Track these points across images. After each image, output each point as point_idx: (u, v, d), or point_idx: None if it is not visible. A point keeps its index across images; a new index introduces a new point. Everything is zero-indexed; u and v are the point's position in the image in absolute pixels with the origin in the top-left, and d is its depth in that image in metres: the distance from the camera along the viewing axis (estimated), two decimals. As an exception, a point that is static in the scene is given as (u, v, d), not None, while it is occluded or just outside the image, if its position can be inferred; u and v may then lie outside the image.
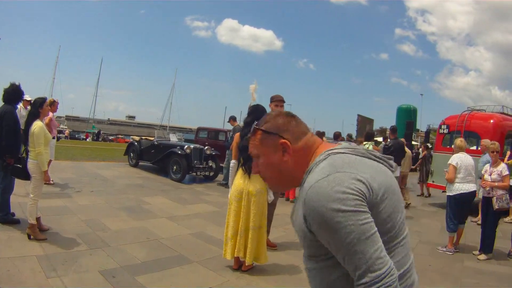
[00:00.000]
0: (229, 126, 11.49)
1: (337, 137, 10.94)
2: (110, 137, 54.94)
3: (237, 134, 4.30)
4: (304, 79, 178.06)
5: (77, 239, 4.56)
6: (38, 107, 4.49)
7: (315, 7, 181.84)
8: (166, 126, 74.06)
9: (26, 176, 4.45)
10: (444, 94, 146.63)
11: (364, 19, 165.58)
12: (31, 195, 4.35)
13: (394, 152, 7.84)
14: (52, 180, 7.73)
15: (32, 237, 4.31)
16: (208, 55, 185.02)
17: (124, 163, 12.71)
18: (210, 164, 10.98)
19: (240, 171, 4.15)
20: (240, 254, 4.00)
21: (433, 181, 9.54)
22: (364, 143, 7.78)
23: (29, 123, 4.41)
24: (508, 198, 5.27)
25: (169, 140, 12.02)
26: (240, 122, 10.34)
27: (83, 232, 4.89)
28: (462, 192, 5.50)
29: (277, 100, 5.03)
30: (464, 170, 5.54)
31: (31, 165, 4.35)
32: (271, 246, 4.90)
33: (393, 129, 8.73)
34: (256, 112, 4.22)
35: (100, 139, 44.72)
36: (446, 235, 5.82)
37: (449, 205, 5.69)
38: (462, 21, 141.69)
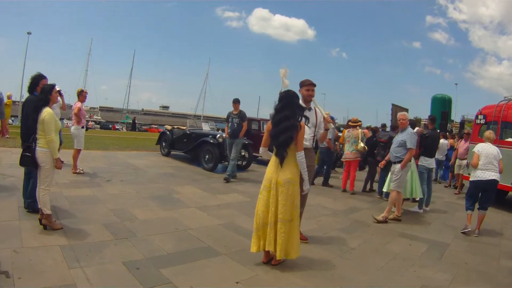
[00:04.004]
0: (265, 115, 11.25)
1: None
2: (144, 127, 56.17)
3: (269, 122, 4.07)
4: (337, 68, 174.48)
5: (103, 229, 4.55)
6: (48, 94, 4.43)
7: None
8: (200, 116, 74.95)
9: (34, 164, 4.39)
10: (478, 84, 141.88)
11: (395, 7, 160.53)
12: (42, 186, 4.33)
13: (430, 142, 7.74)
14: (82, 170, 7.87)
15: (48, 227, 4.32)
16: (240, 45, 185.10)
17: (156, 153, 12.89)
18: (243, 154, 10.88)
19: (273, 159, 3.94)
20: (270, 248, 3.81)
21: (469, 174, 9.03)
22: None
23: (38, 110, 4.35)
24: None
25: (202, 129, 11.99)
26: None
27: (110, 221, 4.89)
28: (478, 179, 6.07)
29: (308, 84, 4.75)
30: (484, 158, 6.05)
31: (40, 153, 4.30)
32: (302, 239, 4.65)
33: (433, 119, 8.44)
34: (286, 97, 3.97)
35: (136, 129, 45.60)
36: (486, 228, 6.35)
37: (468, 188, 6.45)
38: (493, 9, 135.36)
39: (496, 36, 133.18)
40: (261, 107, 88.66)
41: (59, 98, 8.53)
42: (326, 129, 4.89)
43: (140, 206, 5.80)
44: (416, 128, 8.13)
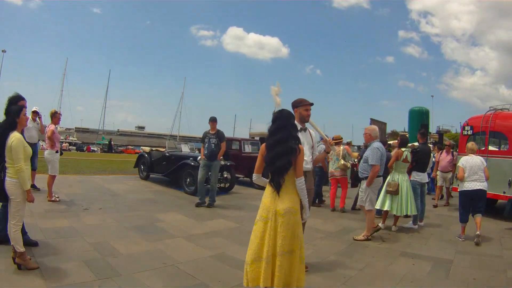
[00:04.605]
0: (241, 133, 10.99)
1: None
2: (120, 148, 55.15)
3: (263, 145, 3.79)
4: (312, 85, 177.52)
5: (83, 267, 4.15)
6: (15, 116, 4.05)
7: (318, 13, 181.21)
8: (176, 136, 74.39)
9: (4, 197, 4.00)
10: (452, 95, 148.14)
11: (367, 23, 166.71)
12: (12, 221, 3.93)
13: (421, 157, 7.71)
14: (58, 197, 7.42)
15: (22, 267, 3.91)
16: (215, 64, 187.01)
17: (134, 176, 12.49)
18: (225, 175, 10.63)
19: (268, 188, 3.67)
20: (267, 284, 3.50)
21: (457, 185, 9.16)
22: (403, 149, 7.26)
23: (4, 135, 3.96)
24: None
25: (181, 151, 11.71)
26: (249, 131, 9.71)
27: (91, 258, 4.49)
28: (465, 189, 6.61)
29: (307, 104, 4.61)
30: (468, 170, 6.57)
31: (9, 184, 3.91)
32: None
33: (423, 133, 8.41)
34: (281, 118, 3.71)
35: (112, 151, 44.54)
36: (485, 239, 6.64)
37: (460, 200, 6.83)
38: (465, 21, 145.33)
39: (468, 48, 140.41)
40: (237, 126, 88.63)
41: (37, 119, 8.16)
42: (327, 152, 4.74)
43: (122, 238, 5.42)
44: (409, 144, 8.11)
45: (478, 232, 6.37)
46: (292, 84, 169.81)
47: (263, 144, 3.75)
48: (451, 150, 10.96)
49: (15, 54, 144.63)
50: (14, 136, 3.91)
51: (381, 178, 6.49)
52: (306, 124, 4.67)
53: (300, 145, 3.63)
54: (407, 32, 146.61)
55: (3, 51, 49.46)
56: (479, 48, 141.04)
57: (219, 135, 8.61)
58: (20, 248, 3.89)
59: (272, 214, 3.51)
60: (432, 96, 76.16)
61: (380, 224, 7.04)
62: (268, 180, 3.64)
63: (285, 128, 3.60)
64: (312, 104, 4.66)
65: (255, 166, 3.76)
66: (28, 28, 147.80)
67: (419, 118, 23.02)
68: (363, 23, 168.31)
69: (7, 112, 4.14)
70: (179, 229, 6.24)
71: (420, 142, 8.25)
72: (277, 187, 3.51)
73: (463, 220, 6.73)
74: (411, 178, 7.55)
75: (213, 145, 8.45)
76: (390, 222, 7.40)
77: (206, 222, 6.90)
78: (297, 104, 4.63)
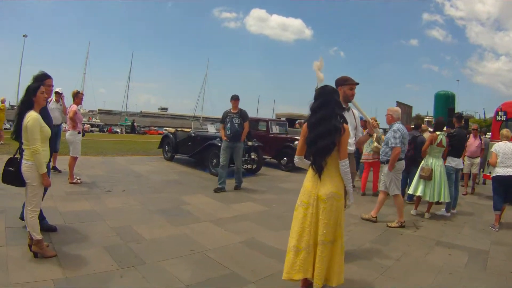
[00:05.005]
0: (264, 114, 10.42)
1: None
2: (143, 129, 55.57)
3: (305, 125, 3.33)
4: (335, 67, 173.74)
5: (104, 254, 3.84)
6: (31, 95, 3.70)
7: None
8: (199, 117, 74.58)
9: (20, 182, 3.69)
10: (476, 80, 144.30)
11: (391, 5, 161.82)
12: (29, 207, 3.62)
13: (458, 141, 7.42)
14: (79, 179, 7.17)
15: (39, 255, 3.62)
16: (238, 46, 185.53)
17: (158, 157, 12.24)
18: (253, 157, 10.22)
19: (310, 171, 3.22)
20: (307, 276, 3.08)
21: (489, 172, 8.57)
22: (438, 133, 6.76)
23: (21, 114, 3.64)
24: None
25: (207, 131, 11.32)
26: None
27: (113, 243, 4.18)
28: (498, 174, 6.40)
29: (353, 83, 4.22)
30: (502, 155, 6.41)
31: (25, 167, 3.59)
32: None
33: (459, 117, 8.10)
34: (324, 94, 3.22)
35: (135, 132, 44.76)
36: None
37: (493, 187, 6.58)
38: (490, 5, 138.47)
39: (493, 32, 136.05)
40: (260, 107, 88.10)
41: (60, 100, 7.90)
42: (370, 134, 4.33)
43: (146, 222, 5.10)
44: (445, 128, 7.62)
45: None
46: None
47: (305, 124, 3.29)
48: (477, 134, 10.23)
49: (36, 39, 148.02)
50: (30, 116, 3.57)
51: (403, 161, 6.17)
52: (349, 104, 4.28)
53: (345, 124, 3.16)
54: (431, 15, 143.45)
55: (24, 36, 50.01)
56: (504, 33, 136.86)
57: (242, 114, 7.95)
58: (37, 236, 3.59)
59: (314, 200, 3.10)
60: (458, 80, 73.28)
61: (412, 211, 6.98)
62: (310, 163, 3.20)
63: (328, 105, 3.13)
64: (357, 83, 4.25)
65: (297, 148, 3.34)
66: (49, 14, 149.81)
67: (445, 102, 22.32)
68: (387, 5, 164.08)
69: (26, 90, 3.80)
70: (205, 212, 5.90)
71: (456, 126, 7.83)
72: (319, 170, 3.10)
73: (497, 207, 6.45)
74: (446, 164, 7.19)
75: (236, 125, 7.81)
76: (423, 208, 7.05)
77: (233, 205, 6.54)
78: (341, 82, 4.20)
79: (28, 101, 3.67)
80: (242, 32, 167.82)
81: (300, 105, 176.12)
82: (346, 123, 3.31)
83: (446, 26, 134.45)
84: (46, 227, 4.28)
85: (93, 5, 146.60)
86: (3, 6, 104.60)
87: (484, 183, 11.64)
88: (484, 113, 49.59)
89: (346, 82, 4.20)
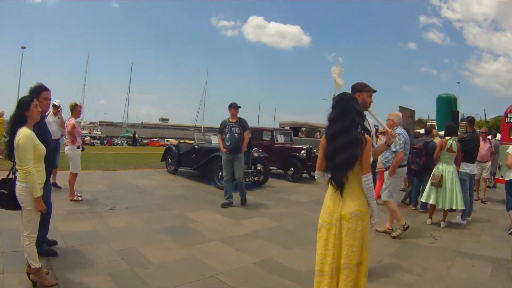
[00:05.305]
0: (265, 123, 10.07)
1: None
2: (144, 141, 55.40)
3: (323, 137, 3.05)
4: None
5: (109, 282, 3.55)
6: (24, 109, 3.38)
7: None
8: (201, 127, 74.51)
9: (13, 205, 3.38)
10: (474, 81, 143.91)
11: (388, 8, 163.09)
12: (25, 233, 3.32)
13: (471, 146, 7.16)
14: (80, 196, 6.90)
15: (38, 284, 3.32)
16: (236, 54, 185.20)
17: (161, 170, 11.99)
18: (259, 168, 9.94)
19: (330, 188, 2.93)
20: None
21: (501, 176, 8.30)
22: (447, 138, 6.53)
23: (12, 131, 3.34)
24: None
25: (211, 143, 11.00)
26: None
27: (117, 269, 3.88)
28: None
29: (371, 90, 4.00)
30: None
31: (19, 190, 3.29)
32: None
33: (471, 121, 7.81)
34: (342, 102, 2.94)
35: (137, 143, 44.51)
36: None
37: (507, 189, 6.47)
38: (486, 6, 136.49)
39: (490, 33, 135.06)
40: (261, 115, 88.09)
41: (57, 113, 7.63)
42: (388, 144, 4.02)
43: (151, 243, 4.80)
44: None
45: None
46: (315, 72, 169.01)
47: (323, 136, 3.01)
48: (486, 137, 9.95)
49: (35, 50, 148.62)
50: (22, 133, 3.25)
51: (405, 168, 6.00)
52: (364, 112, 3.96)
53: (367, 135, 2.87)
54: (428, 18, 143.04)
55: (23, 47, 50.04)
56: (501, 33, 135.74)
57: (241, 123, 7.46)
58: (35, 264, 3.30)
59: (337, 219, 2.80)
60: (459, 82, 73.28)
61: (428, 220, 6.75)
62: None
63: (347, 114, 2.83)
64: (375, 91, 4.02)
65: (317, 162, 3.04)
66: (47, 25, 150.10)
67: (447, 105, 22.20)
68: (384, 9, 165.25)
69: (18, 104, 3.45)
70: (214, 230, 5.60)
71: (468, 130, 7.57)
72: (340, 186, 2.80)
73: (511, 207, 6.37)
74: (460, 170, 6.97)
75: (236, 135, 7.29)
76: (438, 216, 6.84)
77: (242, 221, 6.25)
78: (360, 88, 3.94)
79: (20, 116, 3.34)
80: (240, 40, 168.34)
81: (301, 113, 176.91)
82: (368, 133, 3.03)
83: (443, 29, 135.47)
84: (46, 252, 4.01)
85: (91, 16, 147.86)
86: (1, 14, 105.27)
87: (494, 186, 11.40)
88: (485, 115, 49.29)
89: (364, 89, 3.93)
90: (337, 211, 2.81)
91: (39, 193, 3.29)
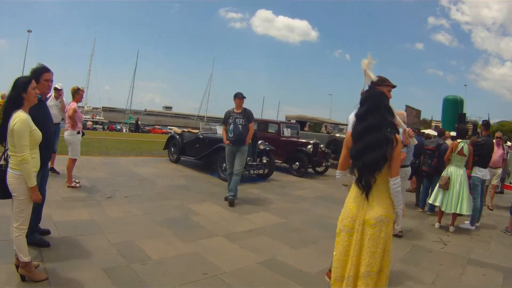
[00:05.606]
0: (269, 116, 9.76)
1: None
2: (147, 127, 55.23)
3: (348, 134, 2.76)
4: (341, 70, 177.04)
5: (103, 278, 3.29)
6: (21, 90, 3.07)
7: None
8: (204, 117, 74.40)
9: (3, 193, 3.07)
10: (480, 85, 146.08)
11: (397, 8, 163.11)
12: (15, 224, 3.04)
13: (485, 150, 6.93)
14: (78, 182, 6.64)
15: (27, 278, 3.07)
16: (244, 46, 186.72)
17: (163, 158, 11.75)
18: (264, 161, 9.68)
19: (353, 189, 2.65)
20: None
21: (510, 183, 7.99)
22: (459, 141, 6.35)
23: (7, 114, 3.02)
24: None
25: (216, 133, 10.72)
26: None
27: (114, 264, 3.62)
28: None
29: (391, 85, 3.68)
30: None
31: (11, 178, 3.00)
32: None
33: (486, 125, 7.53)
34: (372, 98, 2.65)
35: (139, 130, 44.29)
36: None
37: None
38: (496, 10, 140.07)
39: (498, 38, 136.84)
40: (265, 108, 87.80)
41: (59, 97, 7.33)
42: (406, 145, 3.75)
43: (151, 236, 4.53)
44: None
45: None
46: (321, 67, 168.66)
47: (348, 133, 2.72)
48: (501, 143, 9.57)
49: (41, 35, 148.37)
50: (18, 117, 2.94)
51: (409, 168, 5.66)
52: None
53: (397, 135, 2.59)
54: (437, 19, 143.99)
55: (29, 31, 50.01)
56: (510, 38, 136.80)
57: (246, 114, 7.03)
58: (24, 258, 3.03)
59: (359, 224, 2.54)
60: (465, 85, 72.72)
61: (436, 224, 6.58)
62: (355, 178, 2.63)
63: (377, 111, 2.56)
64: (395, 86, 3.71)
65: (339, 161, 2.76)
66: (54, 10, 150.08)
67: (454, 107, 22.02)
68: (393, 9, 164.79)
69: (14, 84, 3.13)
70: (217, 224, 5.34)
71: (483, 134, 7.29)
72: (367, 188, 2.53)
73: None
74: (472, 174, 6.79)
75: (240, 126, 6.88)
76: (447, 220, 6.64)
77: (246, 216, 5.99)
78: (379, 82, 3.59)
79: (16, 98, 3.03)
80: (248, 32, 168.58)
81: (305, 107, 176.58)
82: (398, 133, 2.74)
83: (452, 31, 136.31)
84: (38, 242, 3.77)
85: (98, 4, 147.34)
86: (9, 2, 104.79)
87: (502, 192, 11.09)
88: (489, 119, 49.01)
89: (384, 83, 3.58)
90: (361, 216, 2.55)
91: (35, 182, 3.00)
